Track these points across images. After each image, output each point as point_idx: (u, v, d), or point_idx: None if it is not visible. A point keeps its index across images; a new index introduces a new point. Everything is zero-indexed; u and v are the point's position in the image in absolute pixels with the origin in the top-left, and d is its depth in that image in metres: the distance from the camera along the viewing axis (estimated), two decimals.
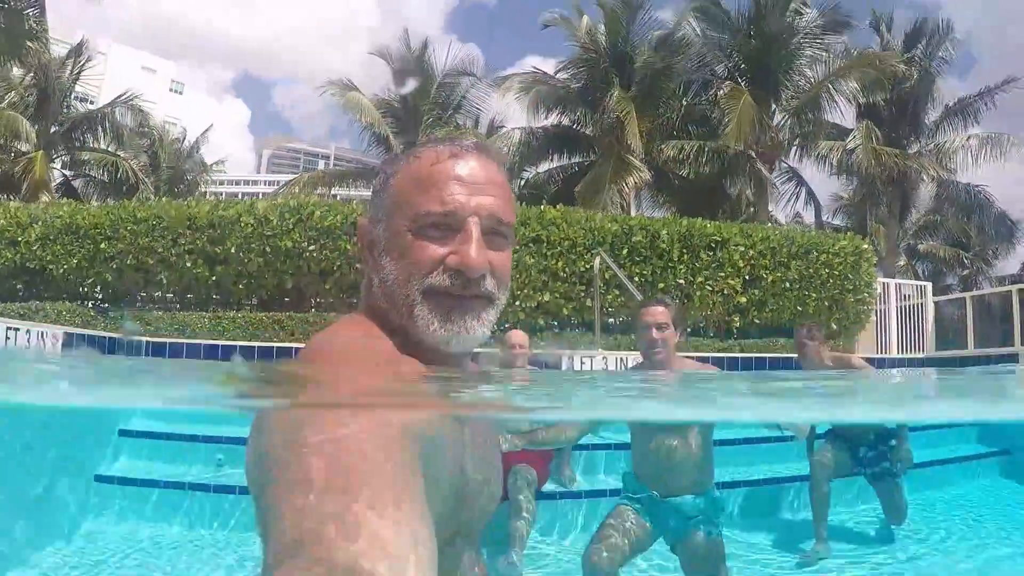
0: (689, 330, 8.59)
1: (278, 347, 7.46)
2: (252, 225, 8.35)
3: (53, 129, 20.40)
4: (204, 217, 8.44)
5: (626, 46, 17.82)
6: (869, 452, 4.30)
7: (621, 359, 7.15)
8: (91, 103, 27.97)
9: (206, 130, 28.97)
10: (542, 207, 8.88)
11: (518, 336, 4.42)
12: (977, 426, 6.32)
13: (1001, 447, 6.29)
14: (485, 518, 0.90)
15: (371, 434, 0.58)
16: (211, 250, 8.41)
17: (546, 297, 8.33)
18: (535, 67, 19.69)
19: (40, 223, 8.74)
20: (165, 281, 8.60)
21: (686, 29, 18.08)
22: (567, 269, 8.42)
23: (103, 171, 21.30)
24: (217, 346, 7.44)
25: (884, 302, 11.03)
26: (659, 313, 2.92)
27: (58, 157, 21.14)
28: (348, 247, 8.25)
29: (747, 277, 8.82)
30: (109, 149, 21.59)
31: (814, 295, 9.03)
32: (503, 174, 0.86)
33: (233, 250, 8.33)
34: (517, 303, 8.16)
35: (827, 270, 9.14)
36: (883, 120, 19.21)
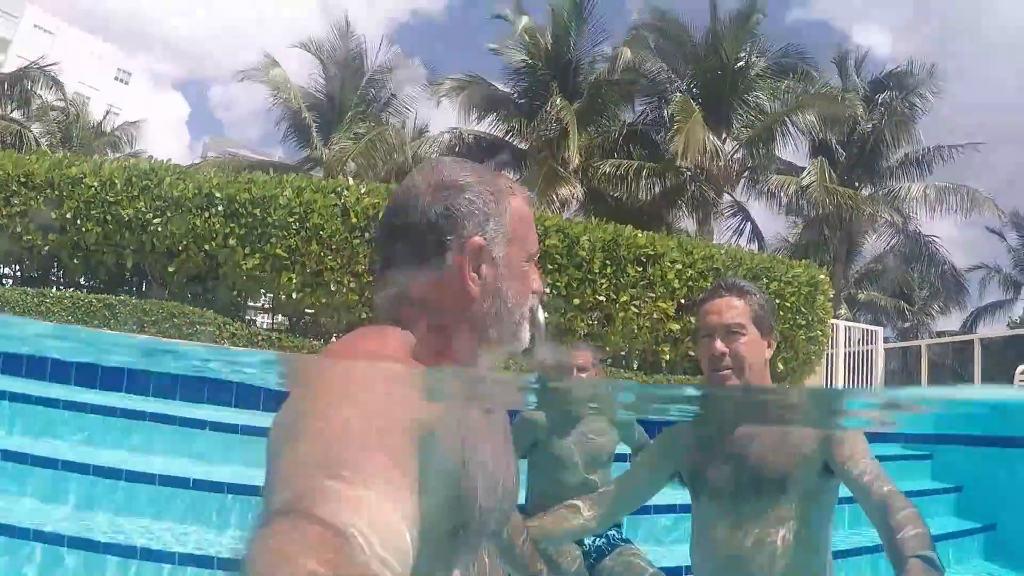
0: (608, 361, 7.02)
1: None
2: (95, 188, 7.12)
3: None
4: (42, 175, 7.25)
5: (571, 54, 16.64)
6: None
7: None
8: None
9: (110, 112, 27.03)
10: None
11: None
12: None
13: None
14: (496, 518, 0.91)
15: (367, 422, 0.64)
16: (47, 214, 7.22)
17: None
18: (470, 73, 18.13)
19: None
20: None
21: (637, 47, 16.94)
22: None
23: (9, 139, 19.66)
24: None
25: (833, 345, 9.93)
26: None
27: None
28: (197, 223, 7.01)
29: (682, 301, 7.26)
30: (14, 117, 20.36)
31: None
32: None
33: (70, 216, 7.12)
34: None
35: (778, 301, 7.71)
36: (836, 160, 18.36)
